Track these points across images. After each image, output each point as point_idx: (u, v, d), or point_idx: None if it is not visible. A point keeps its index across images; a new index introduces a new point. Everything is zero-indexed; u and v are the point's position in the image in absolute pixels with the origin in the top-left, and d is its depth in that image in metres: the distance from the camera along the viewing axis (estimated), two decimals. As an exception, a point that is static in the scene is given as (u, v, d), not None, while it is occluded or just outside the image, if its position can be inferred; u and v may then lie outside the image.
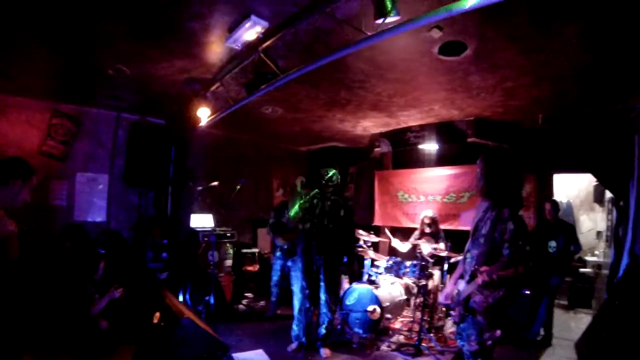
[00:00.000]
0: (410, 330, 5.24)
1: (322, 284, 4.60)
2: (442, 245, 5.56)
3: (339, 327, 5.20)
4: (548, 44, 3.54)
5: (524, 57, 3.85)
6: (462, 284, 2.99)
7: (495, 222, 2.83)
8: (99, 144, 5.78)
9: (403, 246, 5.99)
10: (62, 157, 5.42)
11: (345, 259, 5.13)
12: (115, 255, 4.98)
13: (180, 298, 5.39)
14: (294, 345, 4.63)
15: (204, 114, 5.02)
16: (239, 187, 4.95)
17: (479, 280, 2.77)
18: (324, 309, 4.61)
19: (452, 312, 3.13)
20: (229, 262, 6.53)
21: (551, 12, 3.01)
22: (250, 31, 3.35)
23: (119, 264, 4.80)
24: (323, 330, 4.62)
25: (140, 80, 4.65)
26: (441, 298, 3.35)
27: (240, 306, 6.41)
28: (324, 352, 4.54)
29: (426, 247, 5.46)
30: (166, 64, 4.23)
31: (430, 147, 7.09)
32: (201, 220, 6.39)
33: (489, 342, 2.85)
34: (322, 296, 4.61)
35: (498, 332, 2.86)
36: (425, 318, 5.03)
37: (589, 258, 7.98)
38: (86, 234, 5.19)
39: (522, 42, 3.55)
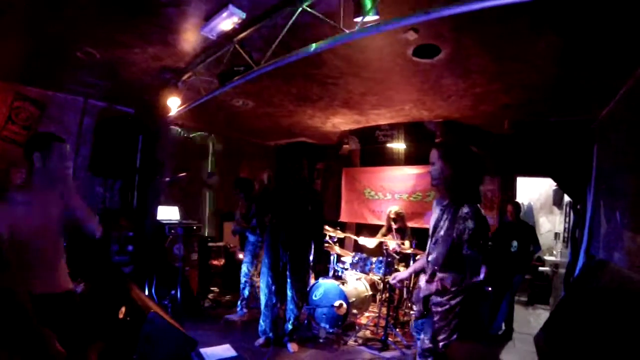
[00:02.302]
0: (376, 325, 5.32)
1: (288, 280, 4.59)
2: (407, 243, 5.67)
3: (305, 322, 5.23)
4: (520, 54, 3.66)
5: (496, 64, 3.96)
6: (422, 280, 2.89)
7: (453, 222, 2.65)
8: (64, 131, 5.50)
9: (370, 242, 6.06)
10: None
11: (312, 256, 5.05)
12: (78, 248, 4.82)
13: (146, 292, 5.27)
14: (261, 340, 4.61)
15: (174, 104, 4.92)
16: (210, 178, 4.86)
17: (433, 287, 2.71)
18: (290, 305, 4.61)
19: (414, 307, 3.11)
20: (194, 256, 6.43)
21: (524, 24, 3.12)
22: (227, 21, 3.30)
23: (83, 257, 4.65)
24: (290, 326, 4.63)
25: (110, 65, 4.49)
26: (392, 279, 3.30)
27: (207, 300, 6.34)
28: (291, 346, 4.56)
29: (392, 243, 5.55)
30: (138, 50, 4.11)
31: (398, 146, 7.19)
32: (167, 213, 6.27)
33: (442, 344, 2.74)
34: (289, 292, 4.60)
35: (454, 336, 2.73)
36: (391, 314, 5.12)
37: (547, 257, 8.33)
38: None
39: (495, 50, 3.65)
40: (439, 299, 2.74)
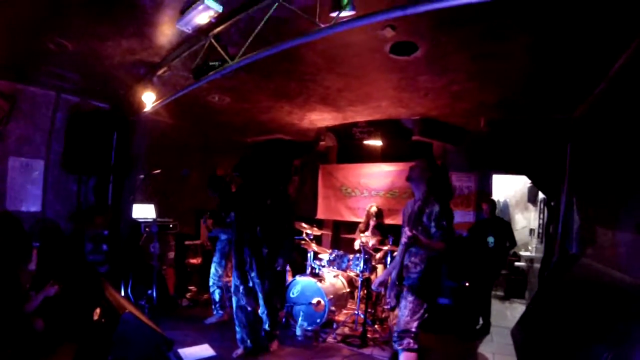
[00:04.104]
0: (354, 322, 5.33)
1: (256, 280, 4.26)
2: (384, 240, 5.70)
3: (283, 320, 5.20)
4: (496, 52, 3.69)
5: (473, 62, 3.98)
6: (394, 273, 3.26)
7: (423, 207, 3.22)
8: (36, 127, 5.34)
9: (356, 243, 6.04)
10: (-6, 138, 5.01)
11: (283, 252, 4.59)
12: (51, 247, 4.69)
13: (122, 292, 5.18)
14: (239, 351, 4.29)
15: (149, 99, 4.84)
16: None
17: (403, 239, 3.06)
18: (261, 308, 4.33)
19: (388, 299, 3.33)
20: (171, 254, 6.33)
21: (501, 23, 3.15)
22: (203, 14, 3.24)
23: (56, 257, 4.53)
24: (266, 327, 4.42)
25: (83, 58, 4.35)
26: (374, 285, 3.64)
27: (184, 300, 6.25)
28: (271, 345, 4.49)
29: (371, 241, 5.58)
30: (113, 43, 3.99)
31: (375, 143, 7.22)
32: (143, 211, 6.17)
33: (416, 323, 3.12)
34: (258, 293, 4.31)
35: (425, 315, 3.15)
36: (369, 310, 5.14)
37: (522, 253, 8.50)
38: (19, 223, 4.84)
39: (472, 48, 3.67)
40: (413, 270, 3.19)
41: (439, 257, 3.24)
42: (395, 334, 3.17)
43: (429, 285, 3.19)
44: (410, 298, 3.14)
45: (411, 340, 3.09)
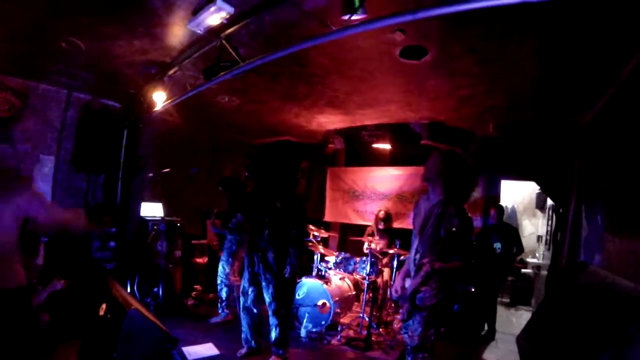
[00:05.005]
0: (359, 325, 5.32)
1: (262, 283, 4.18)
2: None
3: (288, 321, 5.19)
4: (504, 56, 3.68)
5: (480, 67, 3.97)
6: (408, 281, 3.03)
7: (440, 219, 2.86)
8: (47, 123, 5.40)
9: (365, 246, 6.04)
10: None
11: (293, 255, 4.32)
12: (59, 243, 4.73)
13: (128, 289, 5.20)
14: (243, 350, 4.28)
15: (159, 99, 4.87)
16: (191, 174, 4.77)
17: (422, 272, 2.85)
18: (269, 312, 4.19)
19: (400, 310, 3.18)
20: (178, 253, 6.35)
21: (508, 27, 3.14)
22: (215, 16, 3.26)
23: (63, 253, 4.57)
24: (273, 334, 4.21)
25: (95, 57, 4.40)
26: (392, 292, 3.35)
27: (190, 299, 6.27)
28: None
29: (379, 244, 5.58)
30: (124, 43, 4.03)
31: (384, 146, 7.21)
32: (151, 209, 6.20)
33: (431, 338, 2.92)
34: (265, 297, 4.20)
35: (442, 329, 2.95)
36: (374, 313, 5.13)
37: (529, 260, 8.46)
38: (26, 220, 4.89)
39: (479, 52, 3.67)
40: (427, 293, 2.88)
41: (456, 274, 2.96)
42: (409, 348, 2.98)
43: (445, 302, 2.95)
44: (424, 313, 2.90)
45: (426, 354, 2.95)
